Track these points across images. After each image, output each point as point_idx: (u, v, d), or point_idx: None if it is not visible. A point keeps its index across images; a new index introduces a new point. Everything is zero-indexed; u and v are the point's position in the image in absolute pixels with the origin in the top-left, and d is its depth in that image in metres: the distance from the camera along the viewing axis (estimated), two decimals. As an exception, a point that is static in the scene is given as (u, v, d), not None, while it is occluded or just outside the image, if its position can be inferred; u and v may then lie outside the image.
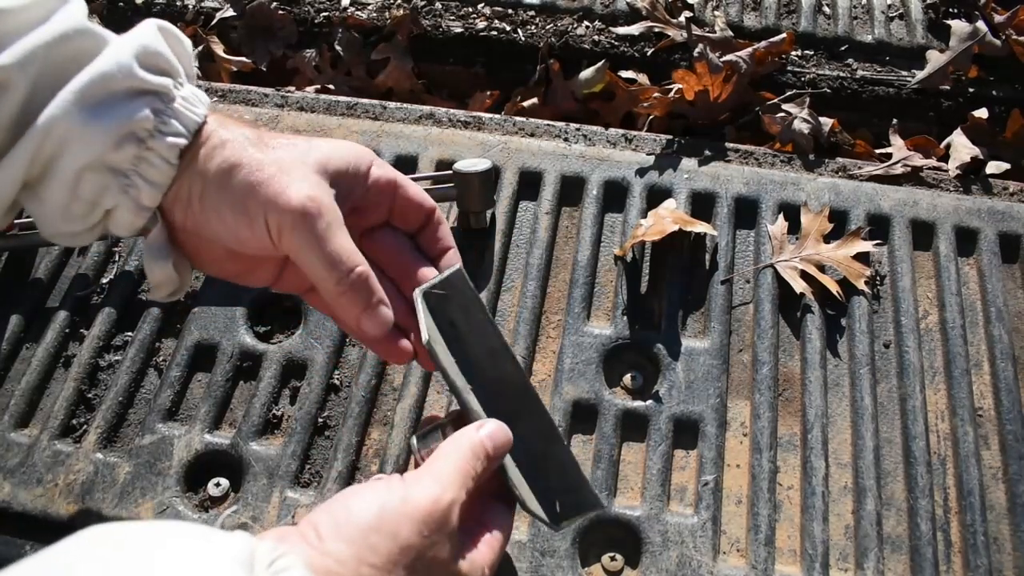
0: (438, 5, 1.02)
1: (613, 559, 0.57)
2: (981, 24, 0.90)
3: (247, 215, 0.45)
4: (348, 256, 0.45)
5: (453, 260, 0.52)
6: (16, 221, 0.74)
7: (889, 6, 0.98)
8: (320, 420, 0.64)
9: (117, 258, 0.74)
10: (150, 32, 0.46)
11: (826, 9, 0.98)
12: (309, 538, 0.37)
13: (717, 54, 0.86)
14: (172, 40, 0.48)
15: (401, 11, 0.99)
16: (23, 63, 0.41)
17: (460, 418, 0.47)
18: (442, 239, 0.53)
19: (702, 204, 0.76)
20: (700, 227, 0.71)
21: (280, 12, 1.02)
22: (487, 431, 0.45)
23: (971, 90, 0.90)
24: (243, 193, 0.44)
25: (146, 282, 0.73)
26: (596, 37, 0.96)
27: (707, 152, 0.80)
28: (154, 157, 0.44)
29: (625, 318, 0.69)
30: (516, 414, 0.48)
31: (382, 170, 0.51)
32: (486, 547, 0.44)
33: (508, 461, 0.47)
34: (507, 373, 0.50)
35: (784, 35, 0.91)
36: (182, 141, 0.45)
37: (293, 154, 0.47)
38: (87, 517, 0.60)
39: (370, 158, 0.50)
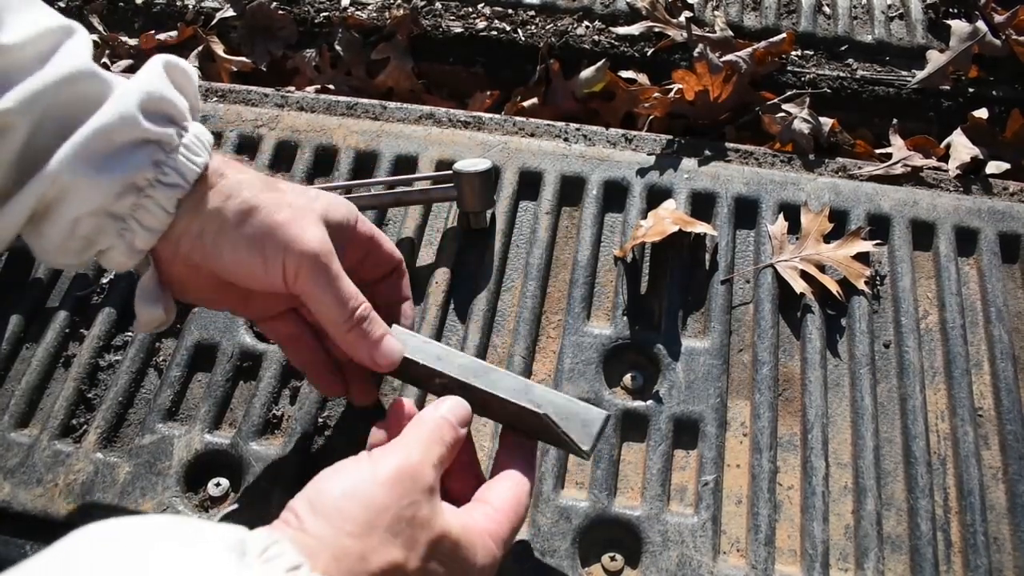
0: (438, 5, 1.02)
1: (613, 559, 0.57)
2: (981, 24, 0.90)
3: (263, 255, 0.47)
4: (355, 296, 0.50)
5: (408, 312, 0.60)
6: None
7: (889, 6, 0.98)
8: (320, 420, 0.64)
9: (117, 258, 0.74)
10: (156, 74, 0.46)
11: (826, 9, 0.98)
12: (291, 523, 0.38)
13: (717, 54, 0.86)
14: (178, 75, 0.48)
15: (401, 11, 0.99)
16: (24, 107, 0.42)
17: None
18: (403, 290, 0.60)
19: (702, 204, 0.76)
20: (700, 227, 0.71)
21: (280, 12, 1.02)
22: (445, 407, 0.48)
23: (971, 90, 0.90)
24: (263, 233, 0.47)
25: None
26: (596, 37, 0.96)
27: (707, 152, 0.80)
28: (152, 205, 0.45)
29: (625, 318, 0.69)
30: (491, 383, 0.51)
31: (364, 226, 0.55)
32: (483, 516, 0.45)
33: (547, 409, 0.50)
34: (467, 362, 0.53)
35: (784, 35, 0.91)
36: (180, 193, 0.46)
37: (303, 200, 0.50)
38: (87, 517, 0.60)
39: (356, 213, 0.55)
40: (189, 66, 0.50)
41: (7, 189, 0.43)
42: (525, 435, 0.52)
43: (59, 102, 0.43)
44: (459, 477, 0.49)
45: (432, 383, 0.54)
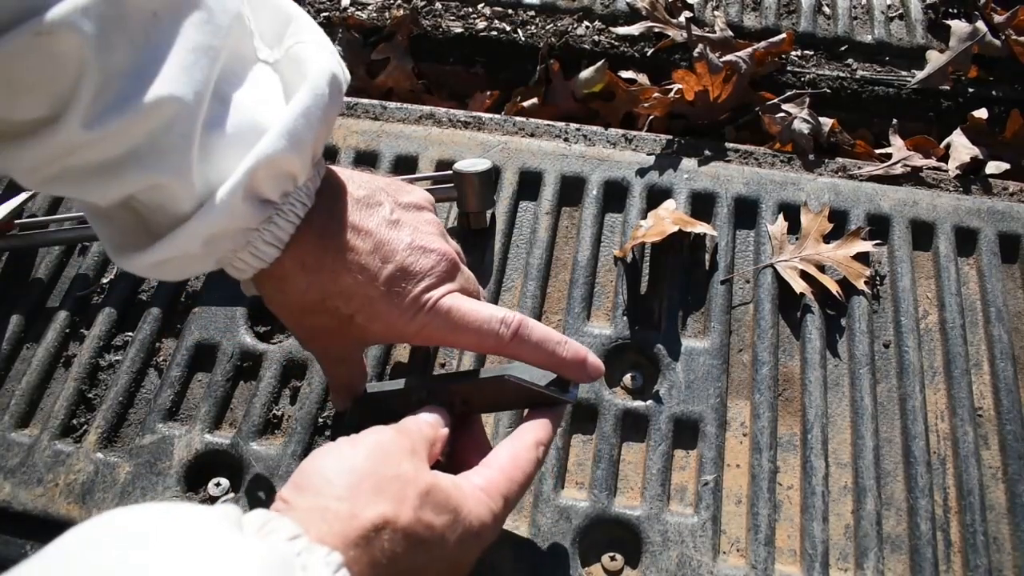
0: (438, 5, 1.02)
1: (613, 559, 0.57)
2: (981, 24, 0.90)
3: (323, 347, 0.56)
4: (351, 381, 0.58)
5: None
6: (17, 221, 0.74)
7: (889, 6, 0.98)
8: (320, 420, 0.64)
9: (117, 258, 0.74)
10: (233, 200, 0.45)
11: (826, 9, 0.98)
12: (280, 508, 0.40)
13: (717, 54, 0.86)
14: (282, 164, 0.46)
15: (401, 11, 0.99)
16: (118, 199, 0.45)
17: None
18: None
19: (702, 204, 0.76)
20: (700, 227, 0.71)
21: (280, 12, 1.02)
22: (422, 413, 0.50)
23: (971, 90, 0.90)
24: (309, 331, 0.54)
25: (148, 283, 0.73)
26: (596, 37, 0.96)
27: (707, 152, 0.80)
28: (235, 266, 0.50)
29: (625, 318, 0.69)
30: (463, 377, 0.56)
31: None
32: (475, 475, 0.47)
33: (518, 370, 0.52)
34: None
35: (784, 35, 0.91)
36: (252, 272, 0.50)
37: (388, 312, 0.51)
38: (87, 517, 0.59)
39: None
40: (318, 109, 0.47)
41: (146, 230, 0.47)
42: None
43: (138, 200, 0.45)
44: (471, 457, 0.50)
45: (409, 403, 0.54)
